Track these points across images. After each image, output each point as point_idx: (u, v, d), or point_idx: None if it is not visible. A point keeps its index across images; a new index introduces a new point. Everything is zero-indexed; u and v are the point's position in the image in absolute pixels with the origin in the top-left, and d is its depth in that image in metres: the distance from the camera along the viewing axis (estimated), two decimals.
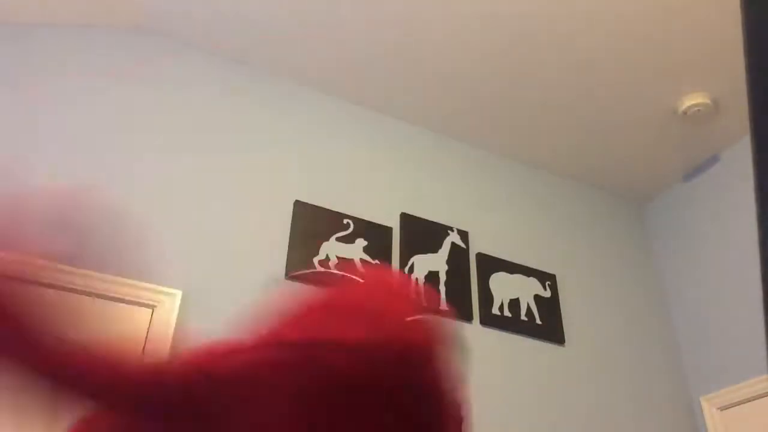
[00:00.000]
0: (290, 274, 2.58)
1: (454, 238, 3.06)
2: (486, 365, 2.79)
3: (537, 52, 2.96)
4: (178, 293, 2.34)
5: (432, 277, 2.88)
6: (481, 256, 3.08)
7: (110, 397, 0.69)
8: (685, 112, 3.19)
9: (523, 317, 2.99)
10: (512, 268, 3.14)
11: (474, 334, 2.85)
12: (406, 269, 2.85)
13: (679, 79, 3.07)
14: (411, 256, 2.90)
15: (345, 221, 2.84)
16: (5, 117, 2.43)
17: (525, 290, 3.09)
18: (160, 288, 2.32)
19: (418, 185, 3.20)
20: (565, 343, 3.06)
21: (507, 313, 2.96)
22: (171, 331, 2.25)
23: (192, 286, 2.40)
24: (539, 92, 3.18)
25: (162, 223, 2.49)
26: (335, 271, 2.68)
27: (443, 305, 2.83)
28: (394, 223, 2.99)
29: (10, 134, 2.40)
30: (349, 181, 3.02)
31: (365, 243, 2.82)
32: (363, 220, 2.89)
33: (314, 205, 2.82)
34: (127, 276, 2.31)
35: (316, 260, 2.67)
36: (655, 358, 3.28)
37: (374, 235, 2.87)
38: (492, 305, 2.94)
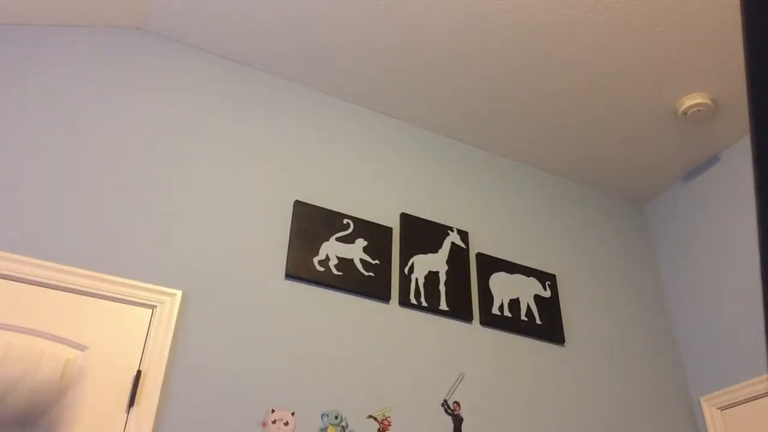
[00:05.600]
0: (290, 274, 2.59)
1: (454, 238, 3.06)
2: (486, 365, 2.79)
3: (536, 52, 2.96)
4: (178, 293, 2.34)
5: (432, 277, 2.88)
6: (481, 256, 3.09)
7: None
8: (685, 113, 3.19)
9: (523, 317, 2.99)
10: (512, 268, 3.14)
11: (474, 334, 2.85)
12: (406, 269, 2.85)
13: (679, 79, 3.07)
14: (411, 256, 2.90)
15: (345, 221, 2.84)
16: (5, 116, 2.43)
17: (525, 290, 3.09)
18: (160, 288, 2.32)
19: (418, 185, 3.20)
20: (565, 343, 3.06)
21: (507, 313, 2.96)
22: (171, 331, 2.25)
23: (192, 286, 2.40)
24: (539, 92, 3.18)
25: (162, 223, 2.49)
26: (335, 271, 2.68)
27: (443, 305, 2.83)
28: (394, 223, 2.99)
29: (10, 134, 2.40)
30: (349, 181, 3.02)
31: (365, 243, 2.82)
32: (363, 220, 2.89)
33: (314, 205, 2.82)
34: (127, 276, 2.31)
35: (316, 260, 2.67)
36: (655, 358, 3.28)
37: (374, 235, 2.87)
38: (492, 305, 2.95)
